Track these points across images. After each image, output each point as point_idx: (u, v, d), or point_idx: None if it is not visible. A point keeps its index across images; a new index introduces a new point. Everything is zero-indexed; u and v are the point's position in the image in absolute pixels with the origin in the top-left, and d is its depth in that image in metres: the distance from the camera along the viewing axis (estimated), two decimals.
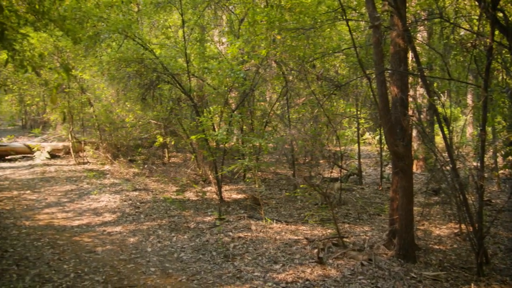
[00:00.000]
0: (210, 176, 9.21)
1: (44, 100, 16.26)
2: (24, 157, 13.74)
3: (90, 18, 7.88)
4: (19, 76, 10.75)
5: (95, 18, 7.93)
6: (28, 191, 9.50)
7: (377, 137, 11.84)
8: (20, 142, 14.94)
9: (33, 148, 13.69)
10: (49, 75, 11.67)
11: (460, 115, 16.56)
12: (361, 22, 7.90)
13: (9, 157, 13.64)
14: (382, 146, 10.16)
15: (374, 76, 5.55)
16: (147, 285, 4.67)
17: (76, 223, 7.23)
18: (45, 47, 11.00)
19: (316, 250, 5.51)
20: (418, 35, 8.97)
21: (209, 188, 9.46)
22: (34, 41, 9.97)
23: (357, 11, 6.70)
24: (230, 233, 6.46)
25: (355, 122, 11.55)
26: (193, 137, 8.27)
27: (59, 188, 9.88)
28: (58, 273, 4.91)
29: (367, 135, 15.86)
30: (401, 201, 5.24)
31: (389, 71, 5.32)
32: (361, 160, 10.68)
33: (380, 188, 9.59)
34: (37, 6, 5.12)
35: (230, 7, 10.49)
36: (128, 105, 12.01)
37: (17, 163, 13.05)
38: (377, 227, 6.92)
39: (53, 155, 13.64)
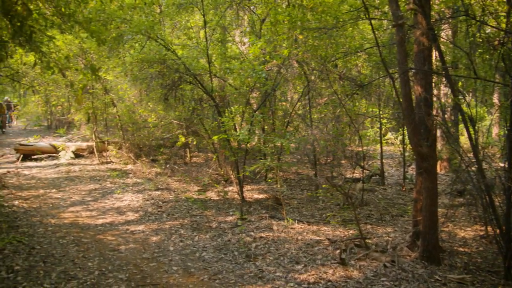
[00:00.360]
0: (232, 176, 9.23)
1: (69, 101, 16.56)
2: (49, 156, 14.03)
3: (114, 20, 8.01)
4: (45, 77, 10.98)
5: (119, 20, 8.06)
6: (54, 190, 9.69)
7: (400, 137, 11.67)
8: (45, 142, 15.25)
9: (58, 148, 13.96)
10: (74, 76, 11.88)
11: (486, 114, 16.21)
12: (384, 20, 7.81)
13: (35, 156, 13.95)
14: (405, 146, 10.02)
15: (397, 75, 5.48)
16: (169, 283, 4.71)
17: (100, 221, 7.34)
18: (70, 49, 11.21)
19: (338, 251, 5.47)
20: (442, 33, 8.82)
21: (230, 188, 9.49)
22: (60, 43, 10.18)
23: (380, 10, 6.62)
24: (252, 233, 6.46)
25: (377, 122, 11.42)
26: (215, 137, 8.31)
27: (83, 187, 10.06)
28: (83, 270, 5.00)
29: (389, 135, 15.65)
30: (425, 202, 5.16)
31: (413, 70, 5.24)
32: (383, 161, 10.54)
33: (404, 189, 9.45)
34: (63, 9, 5.22)
35: (252, 7, 10.50)
36: (151, 105, 12.14)
37: (43, 163, 13.33)
38: (400, 228, 6.82)
39: (77, 154, 13.89)
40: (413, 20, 5.17)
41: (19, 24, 4.21)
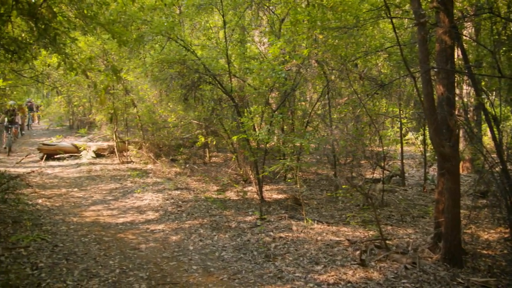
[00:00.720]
0: (251, 176, 9.24)
1: (90, 101, 16.81)
2: (71, 156, 14.26)
3: (135, 21, 8.10)
4: (68, 78, 11.18)
5: (139, 21, 8.15)
6: (76, 189, 9.85)
7: (421, 137, 11.51)
8: (67, 142, 15.53)
9: (80, 148, 14.18)
10: (96, 77, 12.06)
11: (511, 114, 15.85)
12: (405, 19, 7.71)
13: (57, 156, 14.20)
14: (426, 146, 9.87)
15: (419, 74, 5.40)
16: (189, 282, 4.74)
17: (121, 220, 7.43)
18: (92, 50, 11.38)
19: (358, 252, 5.42)
20: (465, 31, 8.66)
21: (250, 188, 9.50)
22: (82, 44, 10.35)
23: (401, 8, 6.54)
24: (271, 233, 6.46)
25: (397, 122, 11.29)
26: (234, 137, 8.33)
27: (104, 187, 10.20)
28: (104, 268, 5.07)
29: (409, 135, 15.45)
30: (447, 203, 5.07)
31: (435, 69, 5.17)
32: (404, 161, 10.41)
33: (425, 190, 9.32)
34: (85, 11, 5.30)
35: (271, 7, 10.49)
36: (171, 106, 12.24)
37: (65, 162, 13.57)
38: (421, 229, 6.72)
39: (98, 154, 14.09)
40: (435, 18, 5.09)
41: (43, 26, 4.29)
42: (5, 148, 15.19)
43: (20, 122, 18.58)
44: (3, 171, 10.36)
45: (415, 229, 6.76)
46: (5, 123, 15.29)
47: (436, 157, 8.58)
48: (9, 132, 15.12)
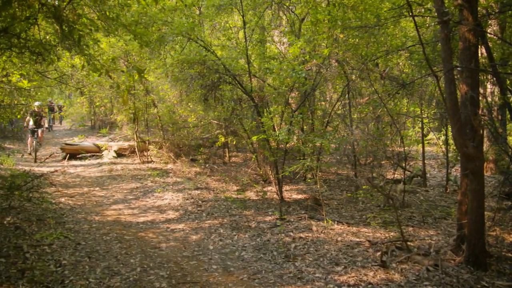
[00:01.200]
0: (271, 176, 9.23)
1: (111, 102, 17.04)
2: (93, 155, 14.48)
3: (155, 22, 8.19)
4: (90, 79, 11.38)
5: (160, 22, 8.23)
6: (97, 188, 10.00)
7: (443, 138, 11.33)
8: (89, 142, 15.77)
9: (101, 147, 14.39)
10: (117, 77, 12.22)
11: None
12: (427, 17, 7.60)
13: (80, 155, 14.44)
14: (448, 146, 9.71)
15: (441, 74, 5.32)
16: (209, 282, 4.76)
17: (141, 219, 7.51)
18: (113, 51, 11.54)
19: (379, 253, 5.37)
20: (489, 29, 8.49)
21: (269, 188, 9.49)
22: (104, 45, 10.50)
23: (424, 7, 6.45)
24: (291, 233, 6.44)
25: (418, 122, 11.13)
26: (254, 137, 8.34)
27: (125, 186, 10.32)
28: (126, 267, 5.13)
29: (431, 135, 15.22)
30: (470, 204, 4.97)
31: (458, 68, 5.08)
32: (425, 161, 10.27)
33: (447, 191, 9.17)
34: (107, 13, 5.38)
35: (290, 7, 10.46)
36: (191, 106, 12.32)
37: (87, 162, 13.79)
38: (443, 231, 6.61)
39: (119, 154, 14.27)
40: (458, 16, 5.00)
41: (68, 28, 4.37)
42: (29, 154, 14.49)
43: (46, 125, 17.89)
44: (27, 170, 10.60)
45: (437, 230, 6.65)
46: (30, 126, 14.20)
47: (459, 158, 8.43)
48: (35, 135, 14.09)
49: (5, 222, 6.44)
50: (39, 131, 14.27)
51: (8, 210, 7.05)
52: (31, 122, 14.22)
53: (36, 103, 14.15)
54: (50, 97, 22.86)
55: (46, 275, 4.65)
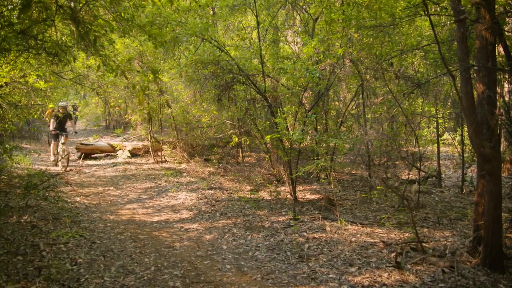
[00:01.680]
0: (284, 176, 9.22)
1: (126, 102, 17.19)
2: (107, 155, 14.63)
3: (170, 23, 8.23)
4: (105, 79, 11.49)
5: (174, 23, 8.27)
6: (112, 188, 10.09)
7: (458, 138, 11.20)
8: (104, 142, 15.93)
9: (116, 147, 14.52)
10: (132, 78, 12.32)
11: None
12: (442, 16, 7.51)
13: (94, 155, 14.59)
14: (463, 147, 9.60)
15: (457, 73, 5.26)
16: (223, 281, 4.77)
17: (156, 219, 7.56)
18: (128, 52, 11.64)
19: (393, 254, 5.33)
20: (507, 27, 8.36)
21: (283, 188, 9.48)
22: (119, 46, 10.60)
23: (440, 5, 6.38)
24: (305, 234, 6.42)
25: (433, 121, 11.02)
26: (267, 137, 8.33)
27: (139, 185, 10.40)
28: (140, 266, 5.16)
29: (446, 135, 15.06)
30: (487, 206, 4.91)
31: (475, 67, 5.01)
32: (440, 162, 10.15)
33: (463, 192, 9.06)
34: (122, 14, 5.43)
35: (304, 6, 10.44)
36: (204, 106, 12.36)
37: (101, 161, 13.92)
38: (459, 232, 6.53)
39: (133, 154, 14.38)
40: (475, 15, 4.93)
41: (85, 29, 4.42)
42: (54, 161, 12.67)
43: (75, 130, 15.25)
44: (43, 169, 10.74)
45: (452, 232, 6.58)
46: (52, 130, 12.26)
47: (475, 158, 8.33)
48: (59, 139, 12.10)
49: (22, 220, 6.54)
50: (63, 136, 12.09)
51: (25, 208, 7.16)
52: (52, 125, 12.27)
53: (61, 103, 12.50)
54: (65, 97, 23.09)
55: (62, 273, 4.71)
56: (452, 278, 4.67)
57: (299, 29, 11.37)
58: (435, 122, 10.50)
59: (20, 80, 9.03)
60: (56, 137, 12.20)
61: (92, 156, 14.59)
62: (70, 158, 14.62)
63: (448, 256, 5.29)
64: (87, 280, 4.59)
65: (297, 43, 11.73)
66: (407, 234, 6.35)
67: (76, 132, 12.96)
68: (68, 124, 13.10)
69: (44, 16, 4.73)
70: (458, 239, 6.10)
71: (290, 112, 10.09)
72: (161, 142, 13.83)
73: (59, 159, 12.10)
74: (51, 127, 12.46)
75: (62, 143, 11.94)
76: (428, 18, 5.64)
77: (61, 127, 12.31)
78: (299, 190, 9.28)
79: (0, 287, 4.17)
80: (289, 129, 9.25)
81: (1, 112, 9.03)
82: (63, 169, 11.70)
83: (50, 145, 13.56)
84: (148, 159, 13.81)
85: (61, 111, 12.18)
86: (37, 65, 8.54)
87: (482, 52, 4.87)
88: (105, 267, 5.05)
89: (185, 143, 13.25)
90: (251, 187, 9.91)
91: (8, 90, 8.95)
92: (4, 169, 9.24)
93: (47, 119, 14.27)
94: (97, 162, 13.86)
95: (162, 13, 7.98)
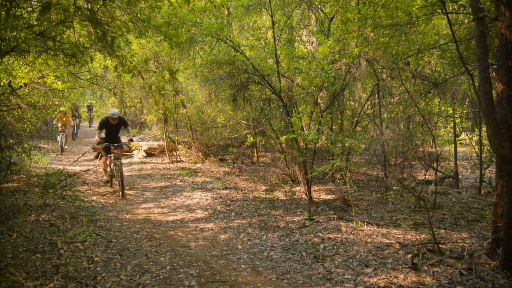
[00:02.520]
0: (299, 176, 9.20)
1: (141, 102, 17.34)
2: (123, 155, 14.75)
3: (185, 24, 8.28)
4: (121, 80, 11.61)
5: (190, 23, 8.32)
6: (127, 187, 10.17)
7: (476, 138, 11.03)
8: None
9: (132, 147, 14.64)
10: (148, 78, 12.42)
11: None
12: (460, 14, 7.41)
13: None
14: (482, 147, 9.45)
15: (476, 72, 5.18)
16: (238, 281, 4.77)
17: (171, 218, 7.61)
18: (143, 52, 11.74)
19: (409, 255, 5.27)
20: None
21: (298, 188, 9.46)
22: (135, 47, 10.69)
23: (457, 3, 6.29)
24: (320, 234, 6.40)
25: (450, 121, 10.88)
26: (283, 137, 8.32)
27: (154, 185, 10.48)
28: (156, 265, 5.20)
29: (463, 135, 14.85)
30: (507, 207, 4.82)
31: (494, 66, 4.93)
32: (457, 162, 10.02)
33: (482, 193, 8.92)
34: (138, 15, 5.47)
35: (320, 6, 10.40)
36: (219, 106, 12.41)
37: None
38: (477, 234, 6.43)
39: (149, 153, 14.49)
40: (494, 12, 4.85)
41: (102, 31, 4.47)
42: (106, 180, 10.26)
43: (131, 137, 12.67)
44: (61, 169, 10.89)
45: (470, 233, 6.48)
46: (100, 140, 9.72)
47: (493, 159, 8.20)
48: (113, 154, 9.42)
49: (40, 219, 6.64)
50: (117, 149, 9.46)
51: (43, 207, 7.27)
52: (103, 134, 9.68)
53: (112, 111, 9.57)
54: (82, 98, 23.32)
55: (79, 271, 4.76)
56: (470, 281, 4.60)
57: (314, 28, 11.32)
58: (452, 122, 10.36)
59: (39, 81, 9.18)
60: (108, 151, 9.53)
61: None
62: (86, 158, 14.82)
63: (466, 258, 5.21)
64: (104, 279, 4.64)
65: (312, 42, 11.69)
66: (423, 235, 6.28)
67: (132, 140, 10.03)
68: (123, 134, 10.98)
69: (62, 18, 4.80)
70: (476, 241, 6.01)
71: (305, 112, 10.06)
72: (176, 142, 13.91)
73: (114, 179, 9.96)
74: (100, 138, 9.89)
75: (116, 159, 9.36)
76: (445, 17, 5.57)
77: (113, 137, 9.69)
78: (314, 190, 9.25)
79: (19, 283, 4.24)
80: (304, 129, 9.23)
81: (20, 112, 9.19)
82: (120, 193, 9.21)
83: (97, 158, 13.99)
84: (164, 158, 13.90)
85: (114, 117, 9.47)
86: (55, 66, 8.68)
87: (501, 51, 4.78)
88: (121, 265, 5.10)
89: (200, 143, 13.30)
90: (266, 187, 9.91)
91: (27, 91, 9.10)
92: (23, 168, 9.40)
93: (59, 125, 15.21)
94: None
95: (177, 14, 8.04)
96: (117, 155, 9.47)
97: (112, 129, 9.72)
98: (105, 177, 10.39)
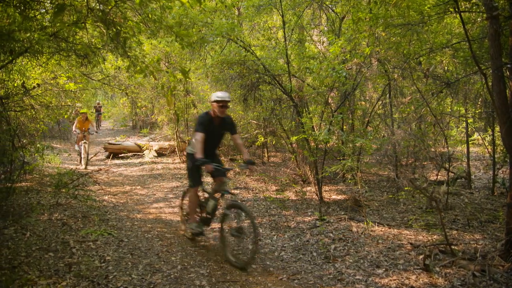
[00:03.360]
0: (310, 176, 9.17)
1: (152, 102, 17.45)
2: (134, 155, 14.86)
3: (196, 24, 8.31)
4: (133, 80, 11.70)
5: (201, 24, 8.34)
6: (139, 187, 10.23)
7: (489, 138, 10.90)
8: (131, 141, 16.19)
9: (143, 147, 14.74)
10: (159, 78, 12.49)
11: None
12: (473, 13, 7.32)
13: (122, 155, 14.84)
14: (495, 147, 9.34)
15: (489, 72, 5.12)
16: (248, 281, 4.77)
17: None
18: (154, 53, 11.80)
19: (421, 256, 5.23)
20: None
21: (308, 188, 9.43)
22: (146, 47, 10.77)
23: (471, 1, 6.22)
24: (331, 234, 6.37)
25: (463, 121, 10.77)
26: (294, 137, 8.31)
27: (165, 185, 10.52)
28: (167, 264, 5.21)
29: (475, 135, 14.69)
30: None
31: (508, 65, 4.87)
32: (470, 163, 9.91)
33: (495, 194, 8.81)
34: (150, 15, 5.51)
35: (330, 5, 10.36)
36: (230, 106, 12.42)
37: (128, 161, 14.15)
38: (490, 235, 6.35)
39: (160, 153, 14.57)
40: (508, 11, 4.80)
41: (115, 31, 4.50)
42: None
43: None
44: (74, 169, 10.99)
45: (483, 234, 6.40)
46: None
47: (507, 159, 8.10)
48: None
49: (53, 218, 6.70)
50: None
51: (55, 206, 7.33)
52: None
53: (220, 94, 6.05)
54: (94, 98, 23.50)
55: (91, 270, 4.80)
56: (483, 282, 4.54)
57: (325, 28, 11.28)
58: (465, 122, 10.26)
59: (52, 81, 9.28)
60: (217, 174, 5.91)
61: (120, 155, 14.84)
62: (98, 158, 14.92)
63: (479, 259, 5.15)
64: (115, 278, 4.67)
65: (323, 42, 11.65)
66: (435, 236, 6.22)
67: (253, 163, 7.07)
68: None
69: (74, 19, 4.85)
70: (490, 242, 5.94)
71: (316, 112, 10.02)
72: (187, 142, 13.96)
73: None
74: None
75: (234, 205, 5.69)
76: (458, 15, 5.51)
77: (213, 149, 6.00)
78: (325, 191, 9.21)
79: (32, 281, 4.29)
80: (315, 129, 9.20)
81: (33, 112, 9.29)
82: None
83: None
84: (174, 158, 13.96)
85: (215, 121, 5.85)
86: (67, 67, 8.77)
87: None
88: (132, 265, 5.12)
89: None
90: (276, 187, 9.90)
91: (40, 92, 9.20)
92: (36, 168, 9.50)
93: (77, 131, 12.82)
94: (124, 161, 14.10)
95: (188, 14, 8.07)
96: (226, 188, 5.77)
97: (215, 134, 5.75)
98: (191, 228, 5.95)
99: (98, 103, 24.52)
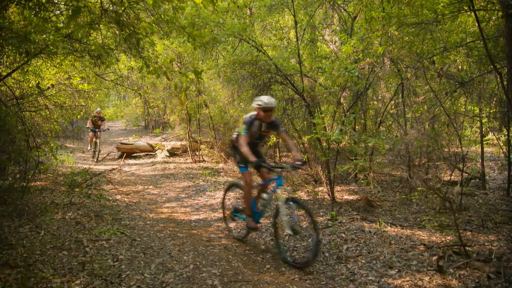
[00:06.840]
0: (322, 176, 9.14)
1: (164, 103, 17.55)
2: (147, 154, 14.96)
3: (208, 24, 8.34)
4: (145, 81, 11.79)
5: (213, 24, 8.37)
6: (151, 186, 10.30)
7: (504, 138, 10.75)
8: (143, 141, 16.30)
9: (155, 147, 14.83)
10: (172, 78, 12.55)
11: None
12: (488, 11, 7.23)
13: (134, 154, 14.95)
14: (510, 147, 9.20)
15: (504, 70, 5.06)
16: (260, 281, 4.77)
17: (194, 217, 7.66)
18: (167, 53, 11.86)
19: (435, 258, 5.18)
20: None
21: (320, 188, 9.40)
22: (159, 48, 10.83)
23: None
24: (343, 235, 6.34)
25: (477, 121, 10.63)
26: (306, 137, 8.28)
27: (177, 184, 10.58)
28: (179, 263, 5.24)
29: (490, 135, 14.50)
30: None
31: None
32: (484, 163, 9.78)
33: (510, 194, 8.69)
34: (162, 16, 5.54)
35: (342, 5, 10.31)
36: (242, 106, 12.44)
37: (141, 160, 14.25)
38: (506, 237, 6.26)
39: (172, 153, 14.65)
40: None
41: (128, 32, 4.54)
42: None
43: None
44: (87, 168, 11.10)
45: (498, 236, 6.32)
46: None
47: None
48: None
49: (66, 217, 6.78)
50: None
51: (69, 205, 7.41)
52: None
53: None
54: (107, 98, 23.57)
55: (104, 269, 4.84)
56: (498, 285, 4.49)
57: (337, 27, 11.24)
58: (479, 122, 10.12)
59: (66, 82, 9.38)
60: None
61: (132, 155, 14.94)
62: (111, 157, 15.05)
63: (494, 261, 5.08)
64: (128, 276, 4.71)
65: (335, 42, 11.60)
66: (449, 237, 6.16)
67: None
68: None
69: (88, 20, 4.89)
70: (505, 244, 5.86)
71: (328, 112, 9.98)
72: (199, 141, 14.01)
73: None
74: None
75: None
76: (472, 14, 5.45)
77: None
78: (337, 191, 9.17)
79: (47, 279, 4.34)
80: (327, 129, 9.16)
81: (48, 112, 9.41)
82: None
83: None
84: (186, 158, 14.02)
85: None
86: (81, 68, 8.86)
87: None
88: (145, 264, 5.16)
89: (222, 143, 13.36)
90: (288, 187, 9.87)
91: (54, 92, 9.32)
92: (50, 167, 9.62)
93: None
94: (137, 161, 14.20)
95: (200, 15, 8.10)
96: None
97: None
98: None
99: (98, 112, 16.97)
